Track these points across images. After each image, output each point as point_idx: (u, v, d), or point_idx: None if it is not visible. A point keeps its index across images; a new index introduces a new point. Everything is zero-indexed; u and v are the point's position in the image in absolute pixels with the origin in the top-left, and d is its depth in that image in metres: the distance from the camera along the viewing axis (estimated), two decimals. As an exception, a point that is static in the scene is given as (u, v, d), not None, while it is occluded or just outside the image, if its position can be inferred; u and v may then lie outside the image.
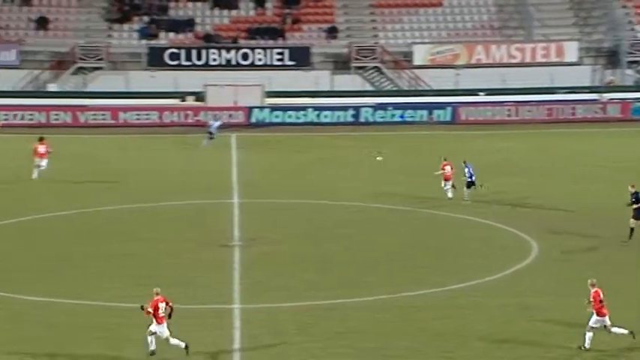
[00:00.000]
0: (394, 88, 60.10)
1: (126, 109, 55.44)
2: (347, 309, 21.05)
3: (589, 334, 17.96)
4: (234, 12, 63.27)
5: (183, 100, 57.37)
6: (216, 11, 63.22)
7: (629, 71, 59.90)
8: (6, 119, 54.12)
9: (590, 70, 60.01)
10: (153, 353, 17.88)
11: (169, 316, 17.99)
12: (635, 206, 26.29)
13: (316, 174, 38.97)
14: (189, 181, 37.00)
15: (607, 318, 17.95)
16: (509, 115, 56.85)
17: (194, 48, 59.26)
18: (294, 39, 61.71)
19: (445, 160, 33.42)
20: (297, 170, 40.11)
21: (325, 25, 62.44)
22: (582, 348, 18.01)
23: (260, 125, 55.00)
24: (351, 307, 21.17)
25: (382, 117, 56.56)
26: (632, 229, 26.43)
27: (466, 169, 32.86)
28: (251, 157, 44.21)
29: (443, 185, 33.05)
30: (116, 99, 56.34)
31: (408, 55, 60.47)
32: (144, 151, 46.04)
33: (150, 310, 17.81)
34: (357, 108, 56.60)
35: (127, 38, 61.03)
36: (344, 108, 56.69)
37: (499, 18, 63.55)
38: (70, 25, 61.33)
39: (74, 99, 56.65)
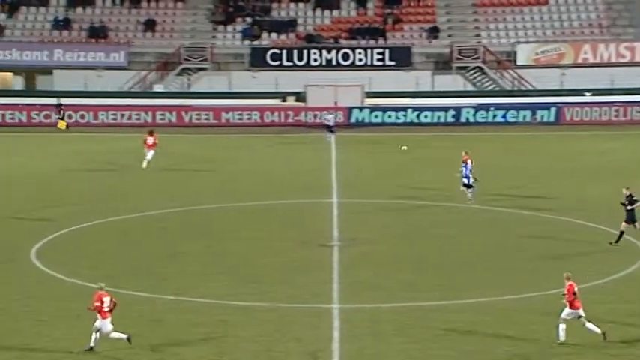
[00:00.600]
0: (496, 89, 59.23)
1: (228, 109, 56.43)
2: (447, 311, 20.85)
3: (562, 326, 18.28)
4: (335, 12, 63.56)
5: (284, 101, 58.00)
6: (318, 12, 63.65)
7: None
8: (114, 119, 55.93)
9: (702, 68, 57.87)
10: (92, 349, 17.87)
11: (111, 310, 18.02)
12: (629, 208, 25.78)
13: (415, 174, 38.78)
14: (289, 181, 37.38)
15: (581, 310, 18.29)
16: (616, 116, 55.31)
17: (295, 48, 59.80)
18: (395, 39, 61.53)
19: (466, 153, 32.84)
20: (396, 170, 40.00)
21: (427, 25, 62.03)
22: (557, 341, 18.10)
23: (359, 125, 55.08)
24: (450, 309, 20.96)
25: (484, 117, 55.82)
26: (621, 232, 25.86)
27: (463, 169, 32.06)
28: (350, 157, 44.33)
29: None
30: (219, 99, 57.45)
31: (511, 55, 59.51)
32: (245, 151, 46.76)
33: (96, 304, 17.84)
34: (457, 108, 56.04)
35: (231, 39, 62.12)
36: (444, 108, 56.21)
37: (607, 16, 61.81)
38: (176, 26, 62.86)
39: (179, 99, 58.07)
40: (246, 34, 61.61)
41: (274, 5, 64.03)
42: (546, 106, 55.77)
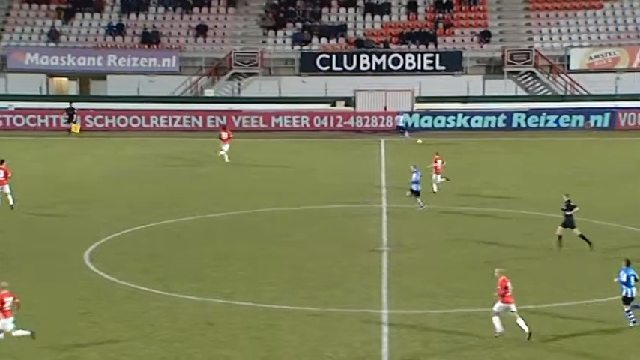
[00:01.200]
0: (548, 93, 58.59)
1: (278, 113, 56.70)
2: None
3: (495, 318, 19.25)
4: (385, 17, 63.50)
5: (333, 105, 58.09)
6: (368, 17, 63.64)
7: None
8: (165, 123, 56.58)
9: None
10: None
11: (14, 310, 17.92)
12: (567, 213, 26.21)
13: (465, 180, 38.50)
14: (339, 185, 37.41)
15: (512, 306, 19.16)
16: (673, 121, 54.37)
17: (345, 53, 59.87)
18: (446, 43, 61.22)
19: (437, 154, 35.32)
20: (445, 176, 39.74)
21: (478, 30, 61.63)
22: (494, 334, 18.96)
23: (409, 130, 54.89)
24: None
25: (535, 122, 55.23)
26: (559, 236, 26.24)
27: (414, 175, 31.61)
28: (399, 162, 44.18)
29: (433, 179, 34.46)
30: (269, 104, 57.77)
31: (563, 59, 58.81)
32: (295, 155, 46.92)
33: None
34: (509, 113, 55.53)
35: (281, 44, 62.43)
36: (495, 113, 55.75)
37: (664, 20, 60.82)
38: (227, 32, 63.40)
39: (229, 104, 58.53)
40: (297, 39, 61.88)
41: (324, 10, 64.20)
42: (600, 111, 54.99)
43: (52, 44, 62.01)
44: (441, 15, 62.77)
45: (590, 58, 58.61)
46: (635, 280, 19.57)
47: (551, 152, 47.23)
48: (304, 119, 56.46)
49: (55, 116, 56.39)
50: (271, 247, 27.22)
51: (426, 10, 63.52)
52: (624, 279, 19.65)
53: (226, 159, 43.11)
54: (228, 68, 60.11)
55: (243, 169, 42.16)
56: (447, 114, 55.86)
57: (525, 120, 55.32)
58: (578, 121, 54.91)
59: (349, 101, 57.79)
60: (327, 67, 59.43)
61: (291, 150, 48.75)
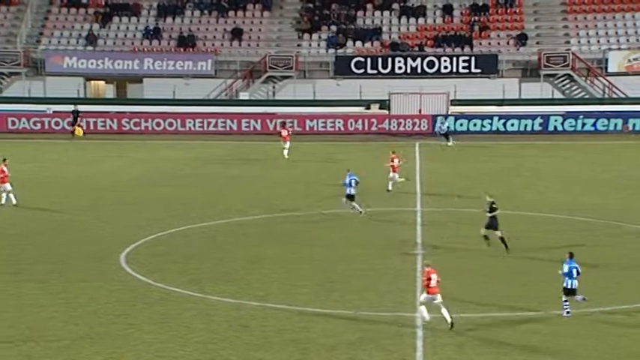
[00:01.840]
0: (586, 96, 58.02)
1: (312, 116, 56.80)
2: (534, 322, 20.48)
3: (421, 308, 20.16)
4: (421, 20, 63.33)
5: (368, 108, 58.05)
6: (403, 20, 63.53)
7: None
8: (201, 126, 56.92)
9: None
10: None
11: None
12: (489, 215, 26.32)
13: (501, 183, 38.23)
14: (373, 188, 37.33)
15: (438, 296, 19.94)
16: None
17: (380, 56, 59.80)
18: (482, 46, 60.89)
19: (393, 152, 35.75)
20: (480, 179, 39.51)
21: (514, 32, 61.24)
22: (423, 321, 19.83)
23: (444, 133, 54.64)
24: (537, 320, 20.58)
25: (572, 126, 54.74)
26: (485, 236, 26.39)
27: (348, 179, 31.09)
28: (435, 165, 44.01)
29: (390, 177, 34.82)
30: (303, 107, 57.88)
31: (601, 62, 58.21)
32: (329, 158, 46.92)
33: None
34: (545, 116, 55.09)
35: (316, 47, 62.53)
36: (532, 116, 55.33)
37: (702, 21, 59.94)
38: (262, 35, 63.66)
39: (264, 107, 58.76)
40: (331, 43, 61.92)
41: (359, 13, 64.20)
42: (639, 115, 54.30)
43: (89, 48, 62.74)
44: (476, 18, 62.46)
45: (629, 60, 57.94)
46: (578, 273, 20.51)
47: (589, 156, 46.77)
48: (339, 122, 56.49)
49: (93, 119, 57.02)
50: (304, 250, 27.24)
51: (461, 13, 63.24)
52: (567, 270, 20.54)
53: (285, 155, 44.49)
54: (263, 71, 60.33)
55: (277, 171, 42.27)
56: (482, 117, 55.55)
57: (562, 123, 54.83)
58: (616, 125, 54.30)
59: (384, 104, 57.71)
60: (362, 70, 59.41)
61: (325, 153, 48.76)
